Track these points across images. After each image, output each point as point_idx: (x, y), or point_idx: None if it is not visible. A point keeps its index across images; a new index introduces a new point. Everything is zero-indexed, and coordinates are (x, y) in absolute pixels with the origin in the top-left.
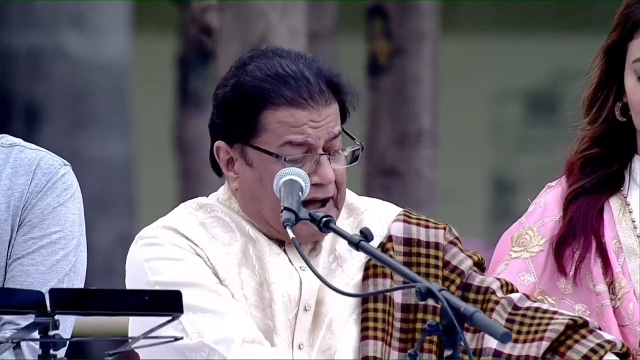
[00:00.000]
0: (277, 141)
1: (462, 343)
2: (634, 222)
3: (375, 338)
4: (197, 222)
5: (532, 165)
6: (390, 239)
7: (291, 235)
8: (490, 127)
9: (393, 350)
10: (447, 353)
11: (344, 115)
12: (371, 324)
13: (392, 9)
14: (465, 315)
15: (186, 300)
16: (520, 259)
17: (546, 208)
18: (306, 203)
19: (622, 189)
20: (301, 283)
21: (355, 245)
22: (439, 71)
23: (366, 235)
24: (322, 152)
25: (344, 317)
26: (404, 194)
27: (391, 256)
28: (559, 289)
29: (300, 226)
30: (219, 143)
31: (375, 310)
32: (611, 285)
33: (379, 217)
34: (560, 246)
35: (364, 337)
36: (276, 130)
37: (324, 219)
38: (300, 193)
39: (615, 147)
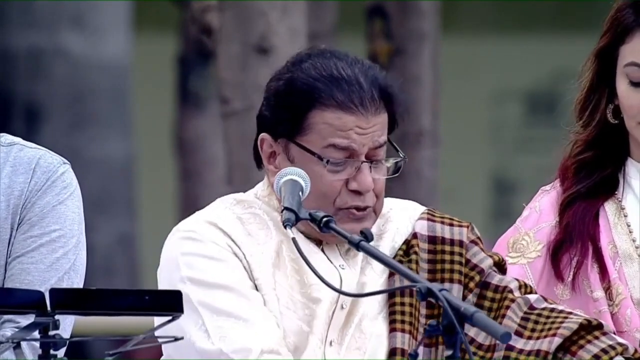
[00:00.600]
0: (322, 142)
1: (462, 342)
2: (629, 226)
3: (403, 330)
4: (235, 217)
5: (532, 165)
6: (414, 236)
7: (291, 234)
8: (490, 127)
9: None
10: (447, 353)
11: (392, 126)
12: (398, 317)
13: (392, 9)
14: (465, 315)
15: (214, 303)
16: (517, 264)
17: (541, 213)
18: (344, 210)
19: (616, 192)
20: (341, 281)
21: (355, 245)
22: (438, 71)
23: (366, 235)
24: (364, 160)
25: (372, 315)
26: (404, 194)
27: (416, 252)
28: (555, 294)
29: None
30: (264, 135)
31: (402, 304)
32: (608, 290)
33: (404, 215)
34: (557, 252)
35: (391, 330)
36: (322, 130)
37: (324, 219)
38: (300, 193)
39: (608, 150)
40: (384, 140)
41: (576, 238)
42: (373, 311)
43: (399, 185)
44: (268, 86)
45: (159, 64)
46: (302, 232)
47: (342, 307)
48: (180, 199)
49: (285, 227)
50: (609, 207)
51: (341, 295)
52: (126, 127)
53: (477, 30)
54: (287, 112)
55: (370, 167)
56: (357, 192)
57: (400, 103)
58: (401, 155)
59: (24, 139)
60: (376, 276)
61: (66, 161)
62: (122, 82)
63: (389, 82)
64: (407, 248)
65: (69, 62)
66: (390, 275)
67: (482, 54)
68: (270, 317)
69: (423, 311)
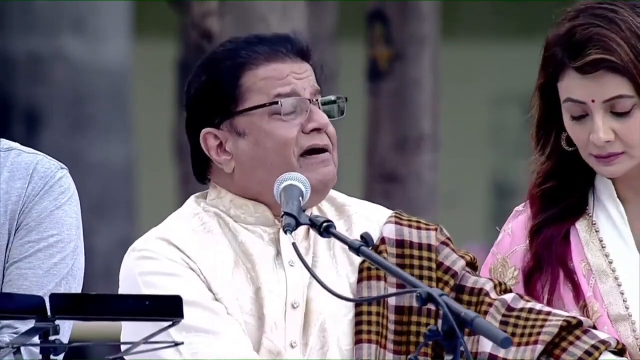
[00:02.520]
0: (266, 98)
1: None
2: (601, 241)
3: (369, 341)
4: (190, 231)
5: (532, 169)
6: (382, 240)
7: (291, 239)
8: (490, 131)
9: (388, 352)
10: (447, 358)
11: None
12: (365, 327)
13: (392, 13)
14: (466, 320)
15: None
16: None
17: (514, 235)
18: (307, 152)
19: (587, 209)
20: (287, 281)
21: (356, 250)
22: (438, 75)
23: (366, 240)
24: (310, 99)
25: (337, 317)
26: (404, 198)
27: (384, 258)
28: None
29: (323, 167)
30: (204, 131)
31: (369, 313)
32: (584, 309)
33: (370, 219)
34: (529, 281)
35: (357, 341)
36: (261, 87)
37: (324, 224)
38: (301, 198)
39: (571, 178)
40: (318, 87)
41: (545, 264)
42: (339, 313)
43: (399, 189)
44: (188, 90)
45: (159, 68)
46: (257, 226)
47: (293, 307)
48: (180, 203)
49: (285, 232)
50: (579, 225)
51: (289, 294)
52: (126, 131)
53: (476, 34)
54: (220, 92)
55: (318, 107)
56: (316, 130)
57: (316, 54)
58: (341, 97)
59: (24, 143)
60: (340, 278)
61: (64, 166)
62: (122, 86)
63: (301, 36)
64: (376, 254)
65: (69, 66)
66: (359, 281)
67: (481, 57)
68: (237, 325)
69: (392, 317)
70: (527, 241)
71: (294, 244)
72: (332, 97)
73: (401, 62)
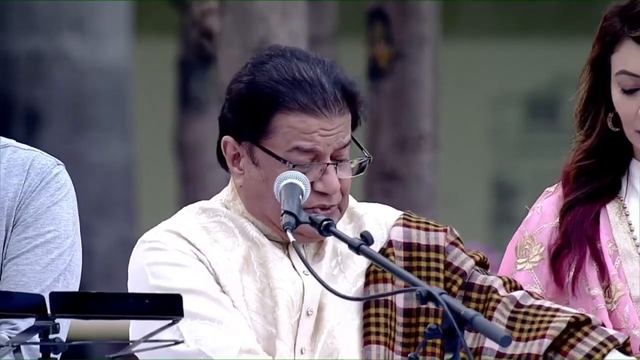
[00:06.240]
0: (286, 145)
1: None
2: (630, 224)
3: (378, 342)
4: (199, 226)
5: (532, 170)
6: (390, 243)
7: (291, 238)
8: (490, 131)
9: (396, 355)
10: (448, 357)
11: (354, 124)
12: (373, 329)
13: (392, 13)
14: (466, 318)
15: (186, 307)
16: (523, 270)
17: (543, 214)
18: (308, 209)
19: (619, 193)
20: (304, 287)
21: (356, 248)
22: (439, 75)
23: (366, 238)
24: (329, 161)
25: (345, 322)
26: (405, 198)
27: (391, 261)
28: (565, 297)
29: (304, 225)
30: (227, 137)
31: (377, 315)
32: (607, 288)
33: (379, 221)
34: (556, 258)
35: (366, 342)
36: (286, 134)
37: (324, 222)
38: (301, 196)
39: (609, 158)
40: (348, 140)
41: (574, 242)
42: (346, 319)
43: (399, 189)
44: (230, 88)
45: (160, 68)
46: (266, 236)
47: (307, 314)
48: (181, 203)
49: (285, 230)
50: (610, 208)
51: (306, 302)
52: (126, 131)
53: (477, 34)
54: (250, 115)
55: (335, 167)
56: (323, 193)
57: (362, 101)
58: (366, 154)
59: (23, 142)
60: (349, 285)
61: (60, 162)
62: (122, 86)
63: (351, 81)
64: (383, 256)
65: (70, 66)
66: (366, 284)
67: (482, 58)
68: (242, 318)
69: (400, 319)
70: (557, 220)
71: (294, 243)
72: (355, 160)
73: (401, 61)
